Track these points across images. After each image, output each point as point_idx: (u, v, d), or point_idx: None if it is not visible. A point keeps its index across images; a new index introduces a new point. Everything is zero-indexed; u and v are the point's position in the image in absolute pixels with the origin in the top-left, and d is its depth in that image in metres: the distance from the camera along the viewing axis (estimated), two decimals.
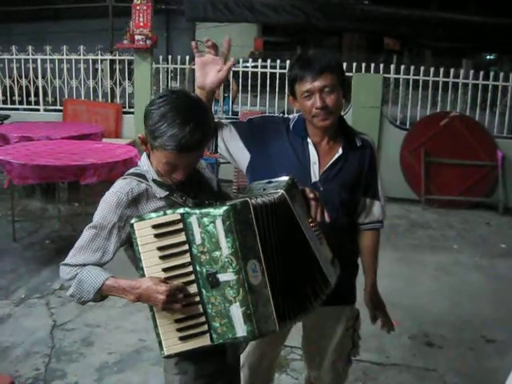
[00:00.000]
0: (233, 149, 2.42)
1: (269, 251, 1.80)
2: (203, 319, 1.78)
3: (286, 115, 2.55)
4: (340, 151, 2.38)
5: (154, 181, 1.92)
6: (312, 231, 2.03)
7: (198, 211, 1.75)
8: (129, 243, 1.92)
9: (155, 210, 1.88)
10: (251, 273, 1.73)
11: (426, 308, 4.72)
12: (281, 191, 1.91)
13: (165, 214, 1.77)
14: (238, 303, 1.72)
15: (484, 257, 6.08)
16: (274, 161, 2.38)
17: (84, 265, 1.87)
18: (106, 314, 4.38)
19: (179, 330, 1.78)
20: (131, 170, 1.99)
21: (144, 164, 1.96)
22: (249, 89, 8.54)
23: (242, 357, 2.53)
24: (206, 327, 1.77)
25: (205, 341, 1.78)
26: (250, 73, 8.55)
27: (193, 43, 2.31)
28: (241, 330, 1.73)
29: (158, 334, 1.79)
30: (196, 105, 1.86)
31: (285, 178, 2.02)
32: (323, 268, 2.00)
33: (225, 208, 1.72)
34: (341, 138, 2.41)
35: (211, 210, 1.73)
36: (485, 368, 3.81)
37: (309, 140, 2.38)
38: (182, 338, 1.78)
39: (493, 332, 4.33)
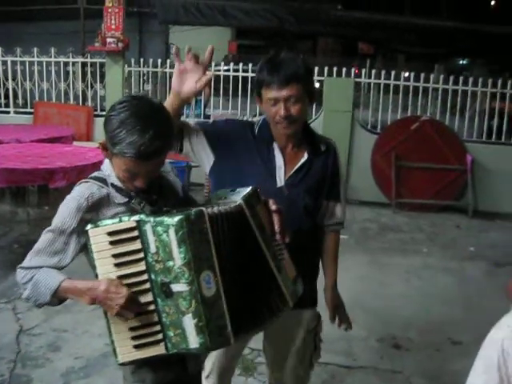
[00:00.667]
0: (198, 150, 2.41)
1: (224, 262, 1.78)
2: (158, 328, 1.76)
3: (250, 119, 2.55)
4: (305, 156, 2.42)
5: (113, 186, 1.90)
6: (272, 246, 1.97)
7: (152, 219, 1.72)
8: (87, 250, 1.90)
9: (113, 216, 1.85)
10: (204, 284, 1.70)
11: (394, 311, 4.76)
12: (239, 201, 1.87)
13: (120, 221, 1.76)
14: (190, 315, 1.69)
15: (453, 260, 6.15)
16: (239, 164, 2.39)
17: (41, 267, 1.83)
18: (73, 319, 4.34)
19: (134, 338, 1.76)
20: (94, 174, 1.96)
21: (106, 169, 1.93)
22: (221, 92, 8.52)
23: (210, 363, 2.54)
24: (161, 336, 1.75)
25: (160, 350, 1.76)
26: (222, 76, 8.54)
27: (174, 48, 2.26)
28: (193, 341, 1.70)
29: (112, 342, 1.77)
30: (157, 111, 1.82)
31: (248, 188, 1.98)
32: (281, 285, 1.95)
33: (178, 217, 1.69)
34: (306, 143, 2.44)
35: (165, 219, 1.70)
36: (450, 370, 3.85)
37: (275, 145, 2.40)
38: (136, 346, 1.76)
39: (459, 334, 4.38)
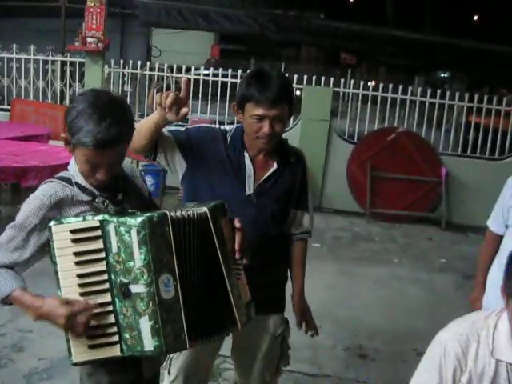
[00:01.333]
0: (171, 158, 2.43)
1: (185, 267, 1.79)
2: (115, 329, 1.75)
3: (223, 126, 2.57)
4: (275, 166, 2.47)
5: (77, 184, 1.91)
6: (231, 262, 1.98)
7: (116, 219, 1.73)
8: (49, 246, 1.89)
9: (77, 215, 1.86)
10: (163, 287, 1.71)
11: (362, 320, 4.78)
12: (204, 208, 1.89)
13: (84, 219, 1.77)
14: (147, 316, 1.69)
15: (423, 271, 6.21)
16: (210, 172, 2.43)
17: (1, 265, 1.85)
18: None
19: (89, 337, 1.75)
20: (59, 174, 1.97)
21: (71, 168, 1.94)
22: (199, 96, 8.52)
23: (176, 367, 2.54)
24: (117, 338, 1.75)
25: (115, 351, 1.75)
26: (201, 80, 8.54)
27: (152, 99, 2.28)
28: (148, 344, 1.70)
29: (67, 340, 1.75)
30: (115, 102, 1.85)
31: (216, 202, 2.00)
32: (233, 304, 1.94)
33: (141, 218, 1.70)
34: (276, 153, 2.48)
35: (128, 220, 1.72)
36: None
37: (245, 154, 2.43)
38: (91, 347, 1.75)
39: (425, 345, 4.34)
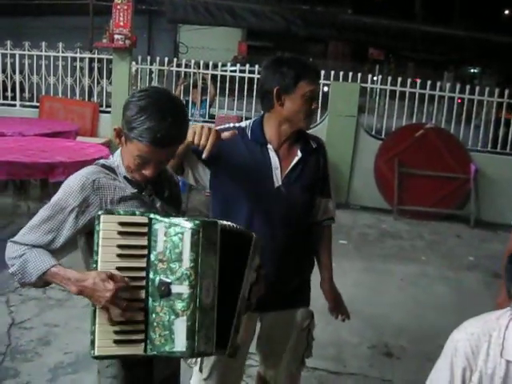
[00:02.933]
0: (196, 172, 2.44)
1: (220, 277, 1.80)
2: (142, 327, 1.75)
3: (237, 124, 2.55)
4: (299, 154, 2.46)
5: (125, 178, 1.91)
6: (246, 292, 2.00)
7: (166, 220, 1.75)
8: (85, 233, 1.89)
9: (119, 207, 1.86)
10: (205, 291, 1.72)
11: (388, 318, 4.74)
12: (253, 233, 1.96)
13: (134, 213, 1.78)
14: (185, 317, 1.69)
15: (451, 269, 6.12)
16: (236, 172, 2.42)
17: (33, 246, 1.81)
18: (65, 314, 4.34)
19: (116, 332, 1.74)
20: (101, 161, 1.97)
21: (116, 159, 1.94)
22: (227, 93, 8.52)
23: (209, 366, 2.51)
24: (142, 336, 1.75)
25: (138, 350, 1.75)
26: (228, 77, 8.55)
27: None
28: (180, 344, 1.70)
29: (93, 332, 1.74)
30: (176, 103, 1.88)
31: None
32: (232, 329, 1.92)
33: (196, 222, 1.72)
34: (298, 141, 2.48)
35: (181, 222, 1.73)
36: None
37: (269, 146, 2.43)
38: (116, 342, 1.74)
39: None
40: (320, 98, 8.27)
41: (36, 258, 1.78)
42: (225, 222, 1.86)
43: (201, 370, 2.52)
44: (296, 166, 2.46)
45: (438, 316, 4.84)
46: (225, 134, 2.19)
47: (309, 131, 2.57)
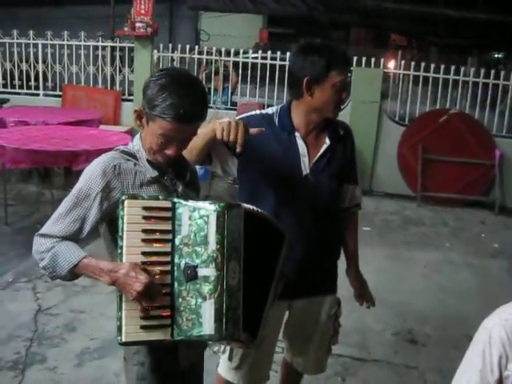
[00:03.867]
0: (225, 161, 2.44)
1: (247, 258, 1.79)
2: (169, 312, 1.74)
3: (264, 110, 2.54)
4: (328, 142, 2.44)
5: (147, 161, 1.91)
6: (279, 281, 2.01)
7: (191, 203, 1.75)
8: (106, 220, 1.89)
9: (140, 192, 1.86)
10: (231, 273, 1.71)
11: (412, 305, 4.72)
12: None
13: (157, 198, 1.78)
14: (212, 300, 1.69)
15: (476, 256, 6.06)
16: (263, 160, 2.40)
17: (61, 237, 1.80)
18: (91, 301, 4.39)
19: (143, 318, 1.73)
20: (120, 147, 1.96)
21: (136, 144, 1.94)
22: (248, 80, 8.49)
23: (238, 355, 2.52)
24: (169, 321, 1.74)
25: (165, 335, 1.75)
26: (250, 64, 8.52)
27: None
28: (209, 328, 1.69)
29: (119, 318, 1.73)
30: (196, 81, 1.89)
31: None
32: (264, 316, 1.92)
33: (221, 204, 1.72)
34: (325, 128, 2.46)
35: (206, 205, 1.73)
36: None
37: (297, 134, 2.40)
38: (143, 327, 1.73)
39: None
40: None
41: (66, 250, 1.78)
42: (248, 205, 1.86)
43: (230, 359, 2.53)
44: (324, 153, 2.44)
45: (463, 303, 4.81)
46: (253, 130, 2.17)
47: None
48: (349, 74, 2.48)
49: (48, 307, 4.28)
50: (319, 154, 2.42)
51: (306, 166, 2.40)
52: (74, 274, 1.80)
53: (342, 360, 3.81)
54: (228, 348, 2.51)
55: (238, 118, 2.46)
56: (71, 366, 3.58)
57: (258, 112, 2.51)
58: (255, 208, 1.91)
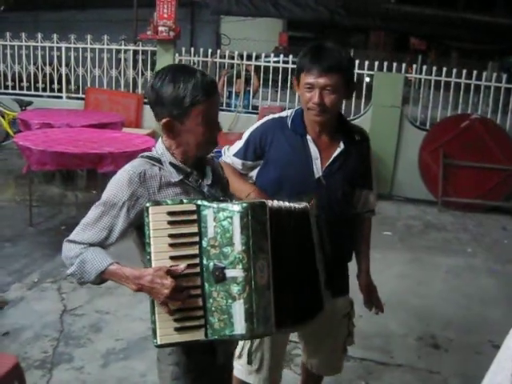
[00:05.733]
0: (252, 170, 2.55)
1: (275, 256, 1.81)
2: (201, 313, 1.77)
3: (278, 114, 2.56)
4: (342, 146, 2.45)
5: (171, 164, 1.92)
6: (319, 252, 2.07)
7: (215, 205, 1.76)
8: (135, 227, 1.91)
9: (167, 196, 1.89)
10: (259, 272, 1.74)
11: (434, 310, 4.71)
12: (304, 204, 2.00)
13: (181, 202, 1.79)
14: (241, 300, 1.71)
15: (498, 262, 6.03)
16: (276, 163, 2.45)
17: (89, 244, 1.84)
18: (115, 302, 4.43)
19: (176, 320, 1.77)
20: (145, 153, 1.98)
21: (159, 148, 1.96)
22: (270, 84, 8.53)
23: (258, 357, 2.58)
24: (202, 321, 1.77)
25: (199, 335, 1.77)
26: (271, 68, 8.55)
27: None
28: (240, 327, 1.72)
29: (153, 322, 1.77)
30: (186, 65, 2.00)
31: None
32: (321, 289, 2.01)
33: (244, 205, 1.74)
34: (341, 132, 2.47)
35: (229, 206, 1.74)
36: None
37: (308, 137, 2.43)
38: (177, 329, 1.76)
39: (501, 337, 4.20)
40: (364, 88, 8.24)
41: (93, 257, 1.81)
42: (275, 202, 1.88)
43: (250, 363, 2.55)
44: (338, 157, 2.45)
45: (485, 309, 4.79)
46: None
47: (353, 122, 2.57)
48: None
49: (73, 308, 4.34)
50: (332, 157, 2.44)
51: (318, 169, 2.42)
52: (101, 279, 1.83)
53: (366, 364, 3.81)
54: (245, 352, 2.54)
55: (252, 128, 2.55)
56: (97, 366, 3.63)
57: (270, 117, 2.54)
58: (276, 201, 1.93)
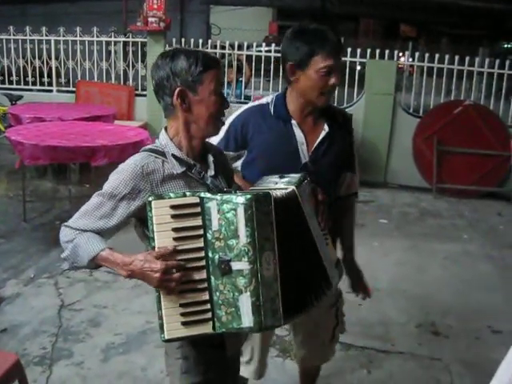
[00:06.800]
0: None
1: (280, 246, 1.79)
2: (208, 306, 1.75)
3: (257, 101, 2.51)
4: (326, 129, 2.41)
5: (173, 156, 1.90)
6: (319, 230, 2.02)
7: (218, 197, 1.73)
8: (138, 220, 1.91)
9: (170, 189, 1.86)
10: (265, 264, 1.71)
11: (433, 297, 4.70)
12: (291, 187, 1.91)
13: (184, 195, 1.76)
14: (248, 293, 1.69)
15: (494, 247, 6.04)
16: (261, 150, 2.39)
17: (85, 230, 1.83)
18: (113, 296, 4.41)
19: (183, 314, 1.74)
20: (148, 147, 1.96)
21: (163, 138, 1.94)
22: (261, 73, 8.48)
23: (248, 349, 2.62)
24: (209, 315, 1.75)
25: (207, 328, 1.75)
26: (263, 57, 8.50)
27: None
28: (247, 320, 1.70)
29: (160, 317, 1.75)
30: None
31: (297, 175, 2.03)
32: (326, 268, 1.99)
33: (248, 197, 1.70)
34: (324, 115, 2.43)
35: (233, 198, 1.71)
36: (490, 358, 3.77)
37: (293, 122, 2.38)
38: (184, 323, 1.74)
39: (500, 323, 4.31)
40: (356, 76, 8.21)
41: (87, 242, 1.80)
42: (275, 192, 1.83)
43: (240, 355, 2.55)
44: (323, 141, 2.40)
45: (484, 294, 4.79)
46: None
47: (347, 110, 2.53)
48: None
49: (71, 303, 4.30)
50: (318, 141, 2.40)
51: (304, 154, 2.39)
52: (95, 264, 1.83)
53: (367, 352, 3.81)
54: None
55: (232, 117, 2.47)
56: (97, 360, 3.60)
57: (250, 105, 2.50)
58: (277, 189, 1.90)
